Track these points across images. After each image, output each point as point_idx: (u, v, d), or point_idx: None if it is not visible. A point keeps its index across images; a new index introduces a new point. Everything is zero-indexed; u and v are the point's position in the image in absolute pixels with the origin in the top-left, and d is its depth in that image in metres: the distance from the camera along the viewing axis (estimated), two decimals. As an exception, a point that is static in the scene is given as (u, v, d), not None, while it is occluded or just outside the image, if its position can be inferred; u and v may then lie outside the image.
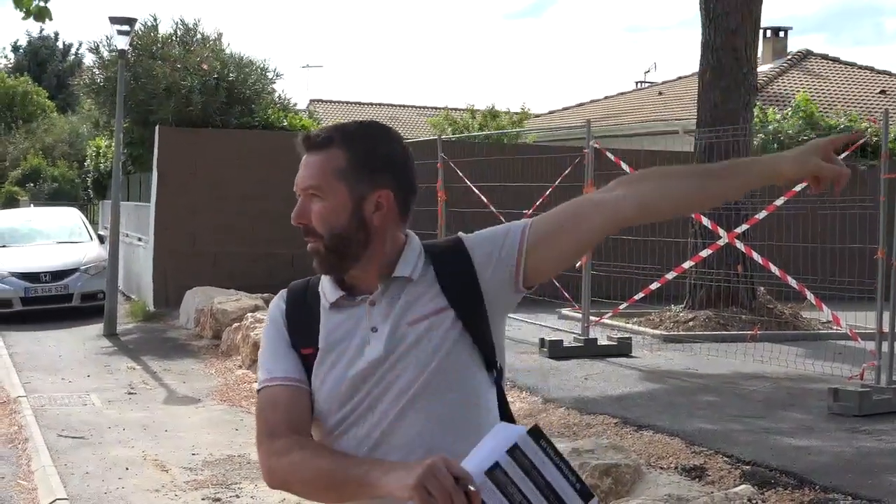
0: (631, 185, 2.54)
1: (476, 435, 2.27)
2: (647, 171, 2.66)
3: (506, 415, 2.48)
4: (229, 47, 22.08)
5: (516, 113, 34.60)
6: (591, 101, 35.92)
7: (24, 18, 6.87)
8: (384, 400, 2.40)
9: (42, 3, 6.93)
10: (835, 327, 11.49)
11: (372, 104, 46.87)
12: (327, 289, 2.49)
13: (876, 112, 22.82)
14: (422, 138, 24.07)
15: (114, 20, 17.32)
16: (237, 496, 8.02)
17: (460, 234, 2.52)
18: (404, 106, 46.43)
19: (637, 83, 41.20)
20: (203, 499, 8.01)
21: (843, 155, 11.63)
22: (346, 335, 2.46)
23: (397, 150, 2.50)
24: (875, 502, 5.87)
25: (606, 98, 36.20)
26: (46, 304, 18.07)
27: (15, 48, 63.60)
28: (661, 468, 6.75)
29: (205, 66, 20.58)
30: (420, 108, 44.24)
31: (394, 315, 2.41)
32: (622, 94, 36.77)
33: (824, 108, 25.20)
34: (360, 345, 2.43)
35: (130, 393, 12.04)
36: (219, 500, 7.96)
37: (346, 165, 2.40)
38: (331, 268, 2.44)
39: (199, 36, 22.25)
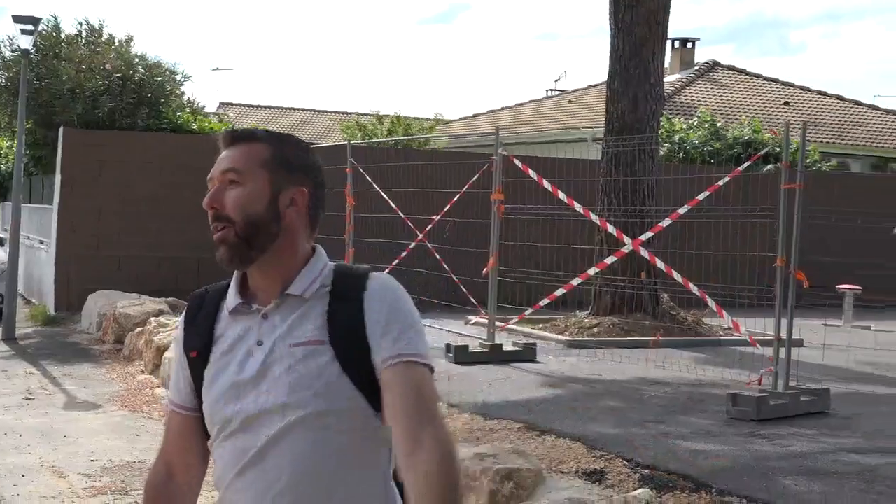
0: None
1: (345, 468, 2.30)
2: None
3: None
4: (135, 48, 21.87)
5: (427, 119, 34.69)
6: (502, 108, 36.08)
7: None
8: (262, 418, 2.34)
9: None
10: (735, 334, 11.62)
11: (283, 108, 46.82)
12: (230, 295, 2.45)
13: (779, 123, 23.41)
14: (331, 143, 24.00)
15: (17, 19, 17.05)
16: (136, 502, 7.89)
17: (372, 274, 2.42)
18: (315, 110, 46.34)
19: (548, 91, 41.54)
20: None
21: (744, 164, 11.91)
22: (236, 343, 2.41)
23: (316, 162, 2.49)
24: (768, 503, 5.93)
25: (517, 105, 36.36)
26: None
27: None
28: (562, 472, 6.75)
29: (110, 67, 20.37)
30: (331, 112, 44.15)
31: (279, 333, 2.36)
32: (533, 101, 37.01)
33: (730, 119, 25.61)
34: (245, 357, 2.37)
35: (28, 398, 11.81)
36: (117, 505, 7.85)
37: (269, 157, 2.38)
38: (238, 256, 2.36)
39: (105, 37, 22.04)
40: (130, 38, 22.15)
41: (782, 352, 8.91)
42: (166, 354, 12.31)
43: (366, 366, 2.31)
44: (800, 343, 10.83)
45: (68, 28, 22.08)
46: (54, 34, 21.33)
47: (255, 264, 2.37)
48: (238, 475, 2.36)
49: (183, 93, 22.10)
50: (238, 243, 2.33)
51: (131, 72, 20.70)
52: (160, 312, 14.49)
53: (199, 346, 2.46)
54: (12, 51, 20.73)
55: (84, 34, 22.05)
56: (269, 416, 2.32)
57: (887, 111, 33.60)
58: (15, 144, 18.24)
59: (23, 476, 8.58)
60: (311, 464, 2.30)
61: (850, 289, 15.71)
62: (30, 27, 17.20)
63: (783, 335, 8.91)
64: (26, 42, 17.39)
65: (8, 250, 17.37)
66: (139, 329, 14.04)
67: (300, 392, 2.30)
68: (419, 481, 2.17)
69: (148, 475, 2.62)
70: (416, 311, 2.39)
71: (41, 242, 19.40)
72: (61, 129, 18.09)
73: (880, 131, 30.96)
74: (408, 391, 2.25)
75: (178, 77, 21.87)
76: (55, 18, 21.70)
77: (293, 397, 2.30)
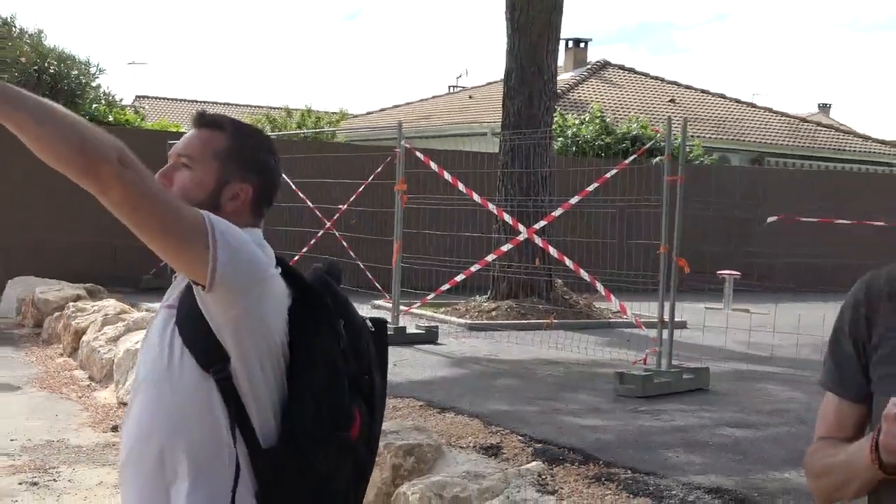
0: None
1: (180, 433, 2.34)
2: None
3: (239, 412, 2.36)
4: (48, 41, 21.52)
5: (334, 113, 34.56)
6: (406, 104, 35.96)
7: None
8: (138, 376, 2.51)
9: None
10: (623, 316, 11.79)
11: (196, 101, 46.10)
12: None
13: (665, 119, 23.74)
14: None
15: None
16: (54, 480, 7.80)
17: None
18: (227, 104, 45.75)
19: (450, 87, 41.53)
20: (20, 483, 7.76)
21: (631, 157, 12.07)
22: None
23: (272, 162, 2.53)
24: (651, 475, 6.03)
25: (421, 101, 36.29)
26: None
27: None
28: (461, 447, 6.81)
29: (24, 60, 20.02)
30: (243, 106, 43.68)
31: (165, 298, 2.48)
32: (436, 97, 37.01)
33: (619, 115, 25.92)
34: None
35: (-53, 381, 11.60)
36: (36, 483, 7.73)
37: (225, 149, 2.43)
38: None
39: (17, 30, 21.66)
40: (41, 32, 21.85)
41: (665, 333, 9.09)
42: (84, 338, 12.17)
43: (199, 325, 2.34)
44: (682, 325, 11.06)
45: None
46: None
47: None
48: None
49: (98, 86, 21.85)
50: None
51: (46, 64, 20.38)
52: (78, 297, 14.25)
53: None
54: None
55: (-1, 27, 21.67)
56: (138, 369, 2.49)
57: (764, 108, 34.24)
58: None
59: (-57, 456, 8.45)
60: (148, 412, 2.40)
61: (729, 274, 16.01)
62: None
63: (666, 318, 9.08)
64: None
65: None
66: (57, 314, 13.82)
67: (149, 351, 2.45)
68: None
69: None
70: (238, 235, 2.36)
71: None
72: (-24, 124, 17.69)
73: (758, 127, 31.53)
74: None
75: (93, 70, 21.61)
76: None
77: (146, 356, 2.46)
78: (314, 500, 2.40)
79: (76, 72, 20.93)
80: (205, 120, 2.49)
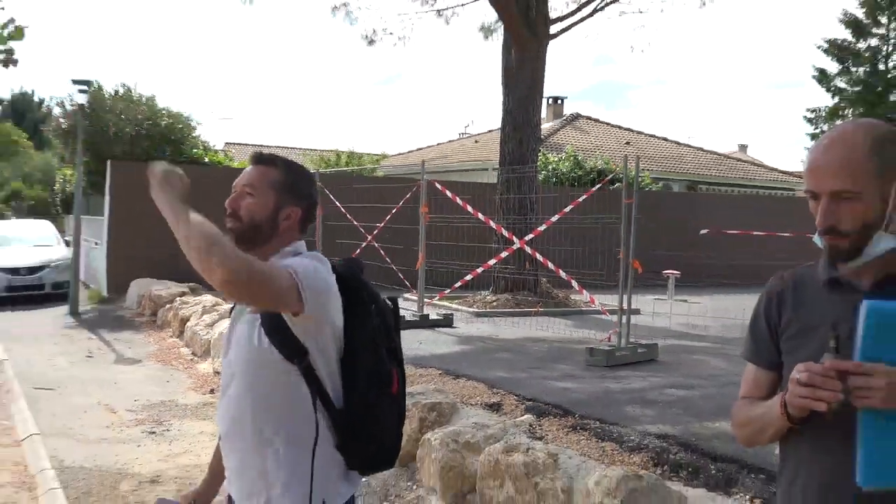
0: None
1: (269, 409, 2.35)
2: None
3: (323, 393, 2.38)
4: (160, 102, 21.72)
5: (374, 154, 34.62)
6: (427, 147, 36.11)
7: None
8: (227, 367, 2.48)
9: (8, 56, 6.63)
10: (591, 306, 11.78)
11: (271, 146, 46.15)
12: None
13: (621, 157, 23.82)
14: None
15: (75, 82, 16.79)
16: (167, 430, 7.87)
17: (307, 253, 2.48)
18: (292, 147, 45.72)
19: (460, 134, 41.51)
20: (142, 432, 7.83)
21: (597, 186, 12.07)
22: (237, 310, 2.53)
23: (314, 191, 2.54)
24: (614, 425, 6.04)
25: (438, 144, 36.39)
26: (25, 290, 17.39)
27: (1, 102, 60.92)
28: (471, 405, 6.83)
29: (141, 117, 20.20)
30: (304, 149, 43.64)
31: (244, 307, 2.46)
32: (450, 141, 37.03)
33: (588, 154, 25.89)
34: (233, 315, 2.53)
35: (88, 356, 11.67)
36: (154, 432, 7.79)
37: (279, 181, 2.43)
38: (240, 243, 2.36)
39: (136, 95, 21.82)
40: (154, 96, 22.07)
41: (624, 318, 9.10)
42: (188, 324, 12.25)
43: (282, 328, 2.34)
44: (637, 312, 11.03)
45: (110, 88, 21.94)
46: (100, 92, 21.08)
47: (254, 251, 2.36)
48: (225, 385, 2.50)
49: (198, 135, 21.96)
50: (242, 235, 2.39)
51: (159, 120, 20.55)
52: (182, 294, 14.40)
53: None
54: (72, 104, 20.42)
55: (121, 92, 21.83)
56: (230, 364, 2.45)
57: (696, 147, 34.17)
58: (76, 173, 17.95)
59: (85, 412, 8.51)
60: (247, 399, 2.39)
61: (672, 273, 16.00)
62: (84, 87, 16.94)
63: (625, 306, 9.09)
64: (81, 98, 17.11)
65: (72, 249, 17.15)
66: (168, 306, 13.99)
67: (240, 350, 2.42)
68: None
69: None
70: (317, 267, 2.37)
71: (95, 243, 19.09)
72: (109, 162, 17.80)
73: (692, 162, 31.52)
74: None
75: (193, 124, 21.77)
76: (98, 83, 21.47)
77: (237, 353, 2.43)
78: (375, 440, 2.45)
79: (180, 125, 21.06)
80: (262, 158, 2.49)
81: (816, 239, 1.97)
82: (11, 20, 6.49)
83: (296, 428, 2.36)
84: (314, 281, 2.27)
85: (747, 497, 4.64)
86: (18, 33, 6.55)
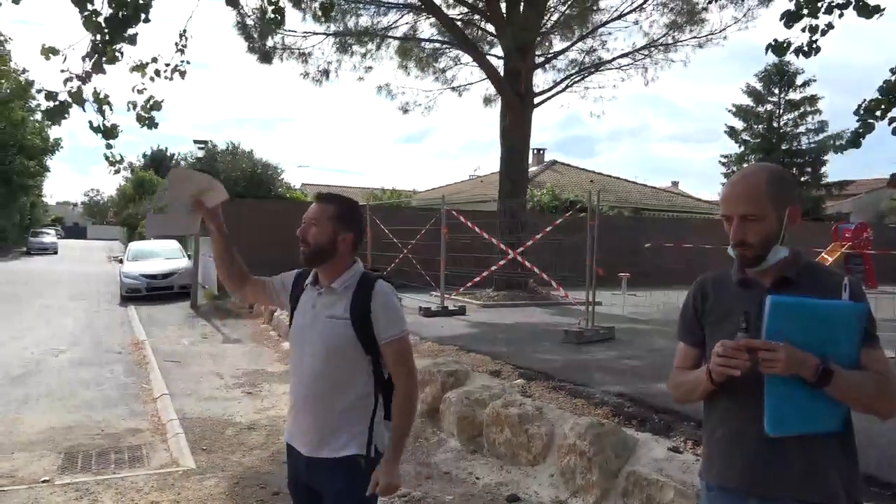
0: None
1: (346, 385, 2.35)
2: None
3: (379, 370, 2.40)
4: (257, 155, 21.84)
5: (408, 191, 34.66)
6: (446, 185, 36.07)
7: (141, 127, 6.73)
8: (307, 347, 2.42)
9: (151, 121, 6.78)
10: (566, 299, 11.68)
11: (335, 186, 46.24)
12: (310, 278, 2.49)
13: (587, 191, 23.75)
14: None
15: (196, 142, 17.02)
16: (259, 391, 7.85)
17: (378, 278, 2.43)
18: (350, 186, 45.86)
19: (470, 175, 41.44)
20: (242, 391, 7.82)
21: (568, 213, 11.97)
22: (305, 304, 2.48)
23: (361, 220, 2.52)
24: (584, 386, 5.97)
25: (455, 183, 36.30)
26: (159, 290, 17.46)
27: (144, 155, 61.70)
28: (479, 371, 6.78)
29: (244, 166, 20.31)
30: (361, 187, 43.65)
31: (323, 305, 2.42)
32: (462, 181, 36.93)
33: (563, 190, 25.76)
34: (306, 312, 2.47)
35: (204, 337, 11.71)
36: (250, 393, 7.78)
37: (335, 214, 2.41)
38: (311, 263, 2.41)
39: (240, 149, 21.96)
40: (252, 150, 22.18)
41: (590, 308, 9.01)
42: (275, 313, 12.24)
43: (369, 332, 2.35)
44: (599, 303, 10.94)
45: (221, 145, 22.11)
46: (214, 149, 21.23)
47: (319, 268, 2.41)
48: (293, 369, 2.49)
49: (283, 179, 22.06)
50: (311, 256, 2.39)
51: (256, 168, 20.64)
52: (271, 292, 14.41)
53: (294, 292, 2.57)
54: (194, 158, 20.61)
55: (229, 148, 21.96)
56: (311, 348, 2.40)
57: (641, 183, 33.96)
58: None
59: (201, 378, 8.51)
60: (328, 371, 2.36)
61: (624, 275, 15.85)
62: (202, 146, 17.06)
63: (590, 299, 8.99)
64: (200, 153, 17.23)
65: (193, 261, 17.22)
66: (260, 301, 13.98)
67: (327, 338, 2.37)
68: (395, 402, 2.36)
69: None
70: (397, 303, 2.43)
71: (210, 256, 19.16)
72: (219, 199, 17.89)
73: (638, 195, 31.27)
74: (394, 357, 2.37)
75: (279, 170, 21.84)
76: (212, 142, 21.69)
77: (322, 342, 2.37)
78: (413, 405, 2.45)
79: (270, 171, 21.18)
80: (322, 197, 2.47)
81: (730, 250, 1.95)
82: (152, 96, 6.59)
83: (361, 401, 2.37)
84: (403, 318, 2.41)
85: (682, 439, 4.56)
86: (157, 105, 6.66)
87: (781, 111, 31.67)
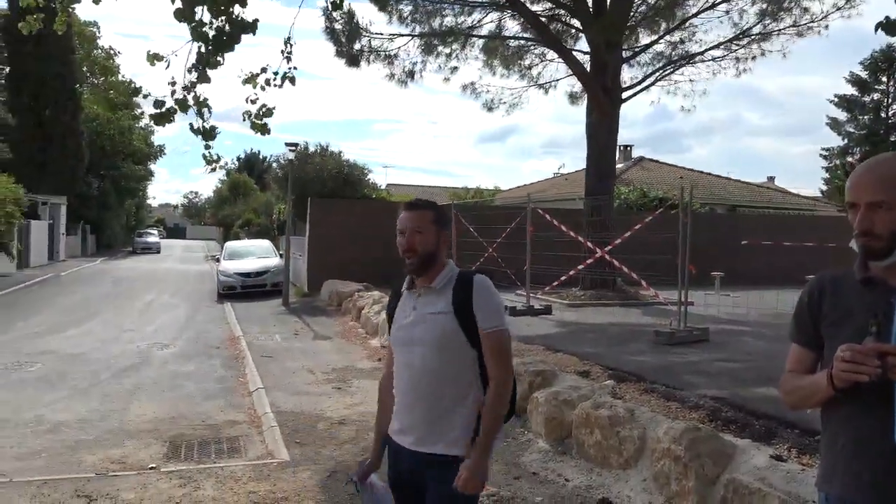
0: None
1: (456, 379, 2.37)
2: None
3: (483, 364, 2.39)
4: (345, 156, 22.31)
5: (491, 189, 34.60)
6: (532, 183, 35.75)
7: (255, 133, 6.99)
8: (415, 343, 2.42)
9: (264, 126, 7.05)
10: (657, 299, 11.35)
11: (419, 186, 46.77)
12: (405, 285, 2.50)
13: (677, 188, 22.97)
14: (442, 203, 24.05)
15: (287, 144, 17.48)
16: (350, 386, 8.00)
17: (476, 273, 2.44)
18: (436, 186, 46.20)
19: (554, 174, 41.01)
20: (332, 387, 7.98)
21: (659, 210, 11.62)
22: (404, 308, 2.49)
23: (450, 221, 2.56)
24: (677, 389, 5.77)
25: (540, 181, 35.94)
26: (253, 288, 18.09)
27: (238, 158, 64.42)
28: (566, 372, 6.67)
29: (331, 167, 20.79)
30: (442, 188, 43.97)
31: (425, 305, 2.42)
32: (547, 179, 36.57)
33: (651, 187, 25.06)
34: (408, 314, 2.46)
35: (296, 334, 12.04)
36: (339, 388, 7.93)
37: (434, 219, 2.42)
38: (420, 270, 2.41)
39: (329, 151, 22.46)
40: (341, 151, 22.66)
41: (682, 308, 8.71)
42: (363, 311, 12.44)
43: (471, 324, 2.35)
44: (691, 304, 10.56)
45: (311, 146, 22.71)
46: (304, 151, 21.80)
47: (430, 271, 2.42)
48: (400, 371, 2.47)
49: (369, 179, 22.42)
50: (420, 262, 2.40)
51: (343, 169, 21.07)
52: (359, 290, 14.60)
53: (390, 312, 2.57)
54: (285, 160, 21.26)
55: (318, 150, 22.50)
56: (420, 343, 2.39)
57: (734, 180, 32.59)
58: (287, 207, 18.62)
59: (294, 373, 8.76)
60: (436, 366, 2.37)
61: (718, 274, 15.28)
62: (293, 148, 17.56)
63: (682, 299, 8.70)
64: (291, 155, 17.75)
65: (284, 260, 17.76)
66: (349, 298, 14.20)
67: (434, 333, 2.36)
68: (489, 395, 2.36)
69: (380, 379, 2.68)
70: (498, 296, 2.43)
71: (299, 255, 19.75)
72: (309, 199, 18.34)
73: (731, 191, 30.02)
74: (491, 348, 2.36)
75: (365, 171, 22.21)
76: (305, 143, 22.30)
77: (430, 336, 2.37)
78: (510, 402, 2.46)
79: (357, 172, 21.56)
80: (416, 204, 2.46)
81: (853, 243, 1.81)
82: (264, 105, 6.90)
83: (467, 392, 2.39)
84: (503, 311, 2.42)
85: (785, 447, 4.32)
86: (269, 112, 6.97)
87: (890, 100, 29.69)
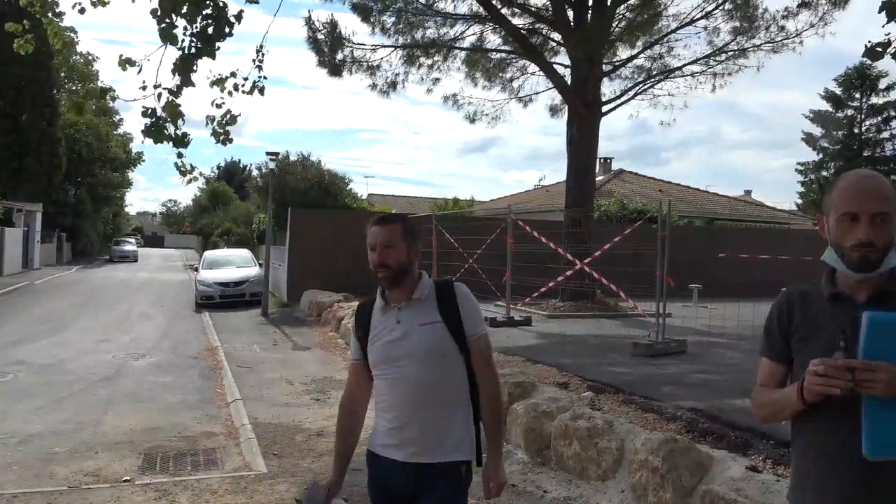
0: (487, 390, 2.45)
1: (450, 387, 2.39)
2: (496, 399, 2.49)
3: (471, 369, 2.43)
4: (325, 165, 22.27)
5: (468, 200, 34.68)
6: (511, 195, 35.88)
7: (216, 143, 6.92)
8: (403, 358, 2.41)
9: (226, 136, 6.96)
10: (635, 310, 11.41)
11: (398, 196, 46.71)
12: (378, 302, 2.48)
13: (656, 201, 23.16)
14: (423, 214, 24.07)
15: (268, 153, 17.42)
16: (328, 397, 7.96)
17: (454, 282, 2.47)
18: (415, 197, 46.19)
19: (535, 185, 41.23)
20: (311, 398, 7.95)
21: (637, 223, 11.72)
22: (385, 323, 2.46)
23: (420, 233, 2.57)
24: (655, 400, 5.81)
25: (520, 193, 36.10)
26: (232, 298, 17.97)
27: (217, 167, 64.02)
28: (546, 383, 6.69)
29: (311, 177, 20.75)
30: (422, 198, 43.93)
31: (411, 317, 2.42)
32: (528, 191, 36.77)
33: (630, 199, 25.29)
34: (392, 329, 2.45)
35: (274, 344, 11.97)
36: (319, 399, 7.90)
37: (403, 232, 2.43)
38: (393, 284, 2.41)
39: (310, 160, 22.41)
40: (321, 161, 22.65)
41: (660, 320, 8.79)
42: (342, 322, 12.39)
43: (459, 331, 2.39)
44: (669, 315, 10.65)
45: (292, 156, 22.62)
46: (285, 160, 21.73)
47: (403, 283, 2.42)
48: (390, 387, 2.44)
49: (350, 189, 22.40)
50: (394, 277, 2.40)
51: (324, 177, 21.04)
52: (338, 301, 14.60)
53: (362, 331, 2.52)
54: (266, 169, 21.19)
55: (300, 159, 22.44)
56: (411, 358, 2.39)
57: (712, 193, 33.00)
58: (267, 216, 18.53)
59: (272, 384, 8.70)
60: (432, 375, 2.38)
61: (696, 286, 15.42)
62: (273, 157, 17.51)
63: (661, 311, 8.77)
64: (272, 165, 17.69)
65: (263, 269, 17.65)
66: (328, 309, 14.18)
67: (428, 344, 2.38)
68: (483, 399, 2.43)
69: (341, 397, 2.64)
70: (477, 303, 2.47)
71: (279, 265, 19.65)
72: (290, 209, 18.29)
73: (709, 204, 30.38)
74: (481, 351, 2.44)
75: (346, 181, 22.20)
76: (287, 153, 22.21)
77: (421, 347, 2.38)
78: (503, 402, 2.58)
79: (337, 182, 21.54)
80: (386, 219, 2.47)
81: (826, 256, 1.84)
82: (229, 111, 6.79)
83: (461, 399, 2.42)
84: (483, 316, 2.50)
85: (760, 458, 4.37)
86: (232, 120, 6.85)
87: (863, 116, 30.31)
